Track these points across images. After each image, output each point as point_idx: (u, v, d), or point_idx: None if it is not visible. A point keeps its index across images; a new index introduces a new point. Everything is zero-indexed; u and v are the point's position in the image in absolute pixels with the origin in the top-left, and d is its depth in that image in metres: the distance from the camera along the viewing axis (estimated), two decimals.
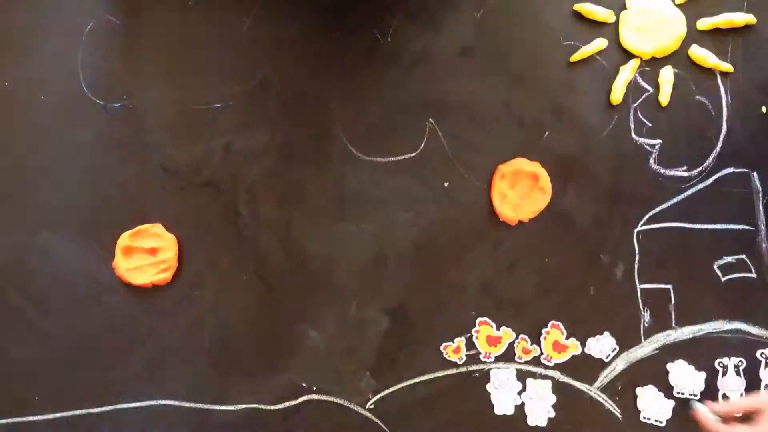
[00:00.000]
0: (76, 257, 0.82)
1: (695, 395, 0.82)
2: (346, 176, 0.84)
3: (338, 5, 0.84)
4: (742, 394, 0.83)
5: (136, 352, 0.82)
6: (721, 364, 0.83)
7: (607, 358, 0.83)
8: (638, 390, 0.83)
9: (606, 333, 0.83)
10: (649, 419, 0.83)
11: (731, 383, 0.83)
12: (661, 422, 0.82)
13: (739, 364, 0.83)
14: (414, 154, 0.84)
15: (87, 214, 0.83)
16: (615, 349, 0.83)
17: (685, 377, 0.83)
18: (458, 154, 0.84)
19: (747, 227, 0.84)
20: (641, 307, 0.84)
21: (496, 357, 0.83)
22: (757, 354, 0.83)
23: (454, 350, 0.83)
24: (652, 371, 0.83)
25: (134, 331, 0.82)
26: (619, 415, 0.82)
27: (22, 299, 0.82)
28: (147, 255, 0.82)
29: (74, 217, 0.83)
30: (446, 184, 0.84)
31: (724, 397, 0.82)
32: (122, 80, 0.83)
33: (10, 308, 0.82)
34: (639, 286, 0.84)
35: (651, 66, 0.85)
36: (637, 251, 0.84)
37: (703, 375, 0.83)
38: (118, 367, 0.82)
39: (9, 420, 0.82)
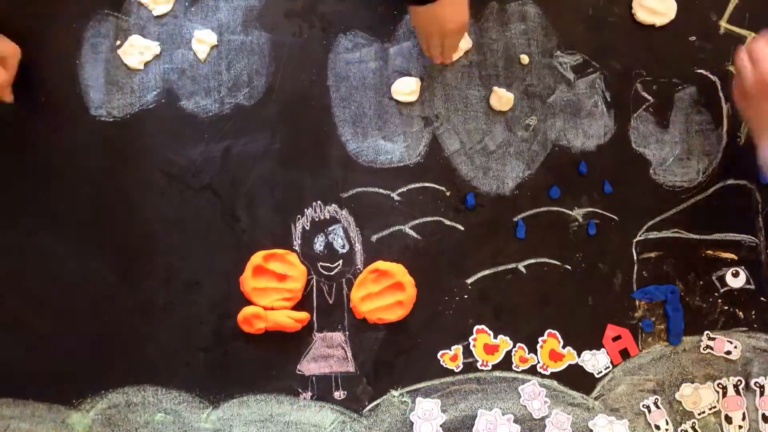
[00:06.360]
0: (75, 260, 0.82)
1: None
2: (345, 182, 0.83)
3: (339, 12, 0.85)
4: (744, 415, 0.83)
5: (133, 355, 0.82)
6: (720, 385, 0.83)
7: (598, 374, 0.83)
8: (635, 400, 0.83)
9: (602, 350, 0.83)
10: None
11: (733, 402, 0.83)
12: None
13: (738, 383, 0.83)
14: (415, 161, 0.84)
15: (85, 217, 0.82)
16: (608, 366, 0.83)
17: (681, 389, 0.83)
18: (459, 161, 0.84)
19: (746, 238, 0.85)
20: (639, 318, 0.84)
21: (493, 365, 0.83)
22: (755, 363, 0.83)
23: (451, 358, 0.83)
24: (650, 382, 0.83)
25: (132, 333, 0.82)
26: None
27: (19, 301, 0.82)
28: (275, 279, 0.82)
29: (73, 219, 0.82)
30: (448, 193, 0.84)
31: (727, 419, 0.83)
32: (122, 83, 0.83)
33: (7, 310, 0.82)
34: (637, 296, 0.84)
35: (652, 76, 0.85)
36: (635, 261, 0.84)
37: (697, 386, 0.83)
38: (116, 369, 0.82)
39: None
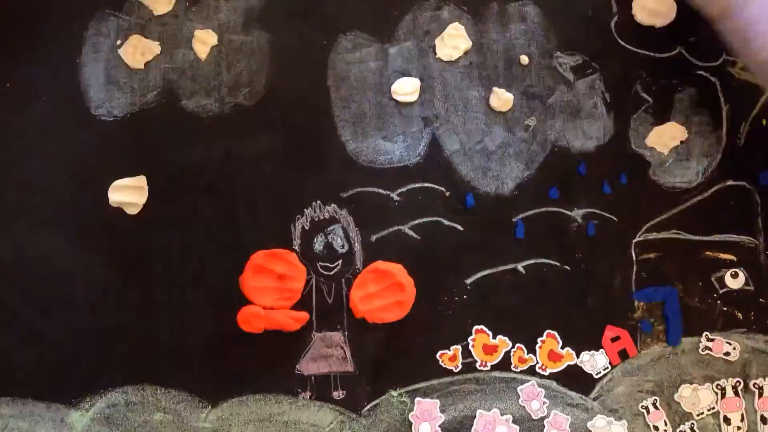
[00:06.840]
0: (75, 260, 0.82)
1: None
2: (345, 182, 0.83)
3: (339, 12, 0.85)
4: (743, 416, 0.83)
5: (133, 355, 0.82)
6: (718, 386, 0.83)
7: (597, 375, 0.83)
8: (634, 400, 0.83)
9: (601, 350, 0.83)
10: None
11: (732, 403, 0.83)
12: None
13: (737, 384, 0.83)
14: (414, 161, 0.84)
15: (86, 217, 0.83)
16: (607, 367, 0.83)
17: (680, 390, 0.83)
18: (459, 161, 0.84)
19: (745, 239, 0.85)
20: (638, 319, 0.84)
21: (492, 366, 0.83)
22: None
23: (450, 358, 0.83)
24: (649, 383, 0.83)
25: (132, 333, 0.82)
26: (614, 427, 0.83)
27: (18, 299, 0.82)
28: (274, 279, 0.82)
29: (73, 219, 0.82)
30: (447, 193, 0.84)
31: (726, 420, 0.83)
32: (123, 82, 0.83)
33: (7, 309, 0.82)
34: (636, 297, 0.84)
35: (651, 77, 0.85)
36: (634, 262, 0.84)
37: (696, 387, 0.83)
38: (115, 369, 0.82)
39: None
